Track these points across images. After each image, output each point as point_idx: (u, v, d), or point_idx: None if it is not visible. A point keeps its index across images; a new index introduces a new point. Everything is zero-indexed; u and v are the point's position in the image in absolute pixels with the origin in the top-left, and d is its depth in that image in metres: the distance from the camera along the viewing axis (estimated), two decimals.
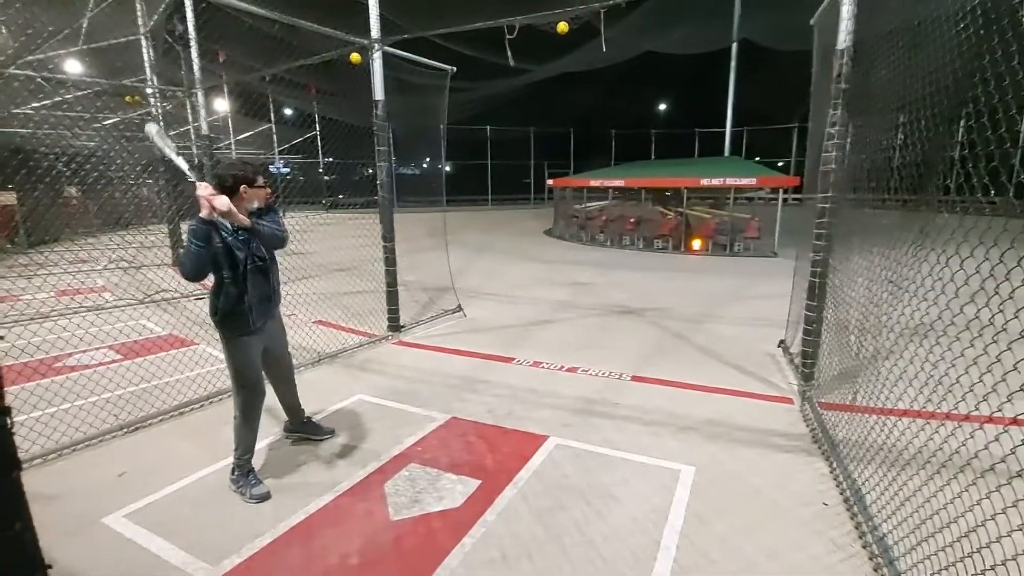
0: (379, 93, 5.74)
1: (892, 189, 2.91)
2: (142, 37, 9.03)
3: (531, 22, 4.85)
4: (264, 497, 3.08)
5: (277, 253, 3.31)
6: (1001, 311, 1.76)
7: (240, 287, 3.01)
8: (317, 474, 3.37)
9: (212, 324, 3.09)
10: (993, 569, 1.76)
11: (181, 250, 10.37)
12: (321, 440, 3.75)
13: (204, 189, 2.79)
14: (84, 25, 9.48)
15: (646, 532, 2.78)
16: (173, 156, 2.99)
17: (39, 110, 11.04)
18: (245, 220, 2.91)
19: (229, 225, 2.95)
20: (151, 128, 3.00)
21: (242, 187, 2.99)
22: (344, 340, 5.98)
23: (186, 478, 3.30)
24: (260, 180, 3.07)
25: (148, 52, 9.11)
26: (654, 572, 2.49)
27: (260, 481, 3.16)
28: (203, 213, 2.79)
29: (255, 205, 3.08)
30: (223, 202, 2.78)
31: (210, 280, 3.07)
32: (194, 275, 2.90)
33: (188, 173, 2.97)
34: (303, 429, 3.76)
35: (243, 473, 3.15)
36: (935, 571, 2.07)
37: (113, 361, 5.36)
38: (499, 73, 18.08)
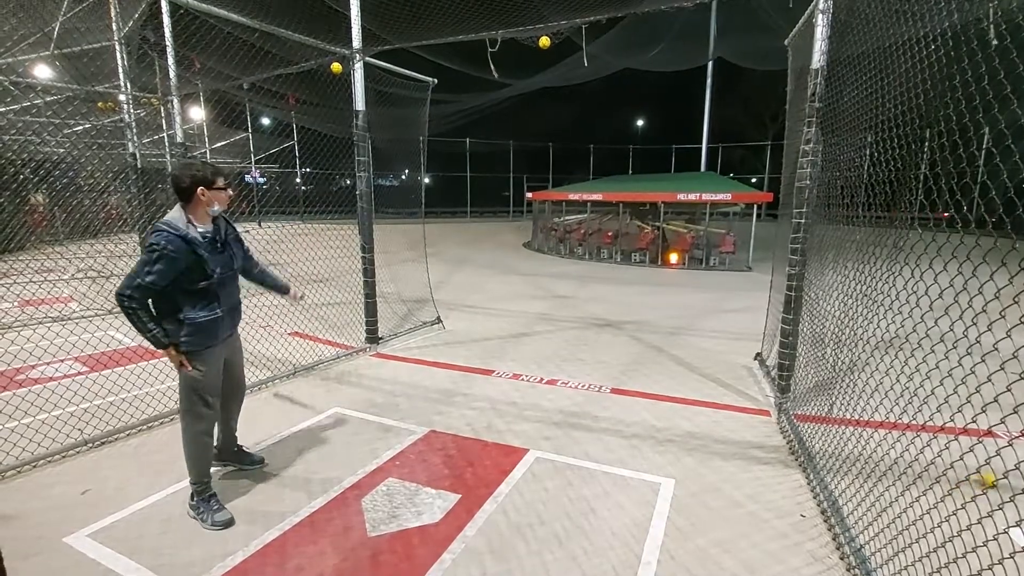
0: (360, 104, 5.72)
1: (865, 205, 2.99)
2: (116, 43, 8.85)
3: (513, 36, 4.90)
4: (228, 523, 2.89)
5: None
6: (974, 324, 1.81)
7: (214, 298, 2.89)
8: (291, 490, 3.27)
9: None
10: None
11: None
12: (250, 468, 3.47)
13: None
14: (55, 30, 9.27)
15: (627, 546, 2.76)
16: None
17: (5, 115, 10.73)
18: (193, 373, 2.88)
19: (200, 238, 2.78)
20: None
21: (199, 189, 2.76)
22: (321, 352, 5.88)
23: (154, 495, 3.18)
24: (220, 182, 2.84)
25: (122, 58, 8.93)
26: None
27: (222, 506, 2.96)
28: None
29: (216, 209, 2.89)
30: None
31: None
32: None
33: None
34: (235, 457, 3.49)
35: (204, 498, 2.95)
36: None
37: (79, 373, 5.17)
38: (480, 87, 18.22)
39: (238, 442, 3.51)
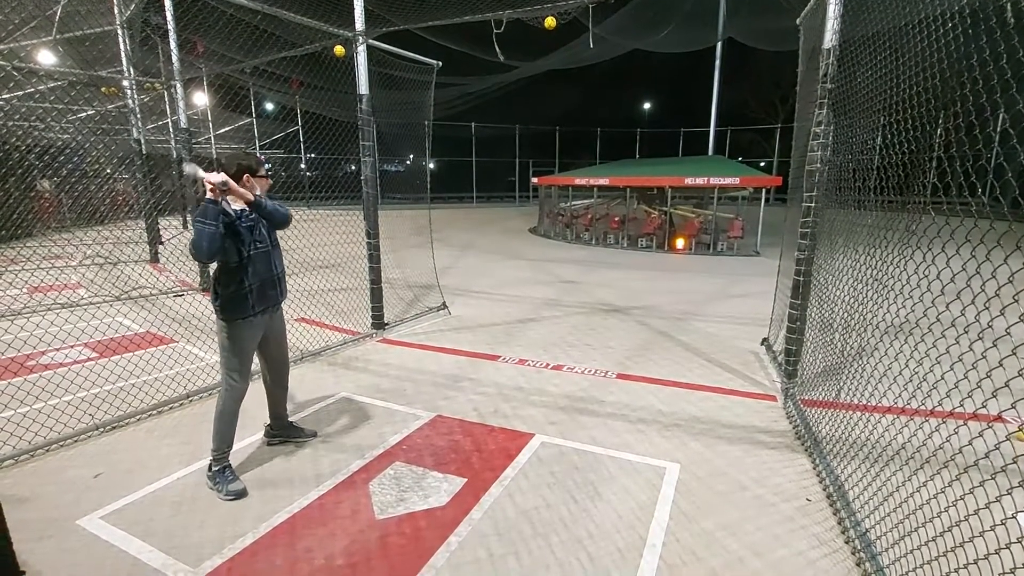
0: (363, 87, 5.67)
1: (878, 189, 2.94)
2: (119, 27, 8.80)
3: (518, 16, 4.82)
4: (240, 494, 3.05)
5: None
6: (987, 308, 1.78)
7: (243, 272, 3.07)
8: (301, 473, 3.31)
9: (213, 310, 3.13)
10: (976, 563, 1.78)
11: (160, 246, 10.18)
12: (302, 442, 3.69)
13: (204, 175, 2.88)
14: (58, 14, 9.22)
15: (632, 529, 2.78)
16: (199, 174, 2.97)
17: (9, 101, 10.72)
18: (247, 193, 3.01)
19: (232, 211, 3.03)
20: (187, 168, 3.05)
21: (245, 175, 3.10)
22: (327, 338, 5.91)
23: (165, 478, 3.23)
24: (262, 171, 3.21)
25: (125, 42, 8.88)
26: (640, 569, 2.49)
27: (236, 477, 3.14)
28: (208, 194, 2.87)
29: (257, 193, 3.17)
30: (219, 176, 2.86)
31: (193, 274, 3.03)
32: (208, 254, 2.92)
33: (202, 174, 2.96)
34: (284, 432, 3.69)
35: (220, 469, 3.13)
36: (917, 566, 2.09)
37: (88, 359, 5.22)
38: (485, 69, 18.02)
39: (289, 419, 3.75)
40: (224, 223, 2.95)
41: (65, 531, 2.74)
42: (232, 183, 2.93)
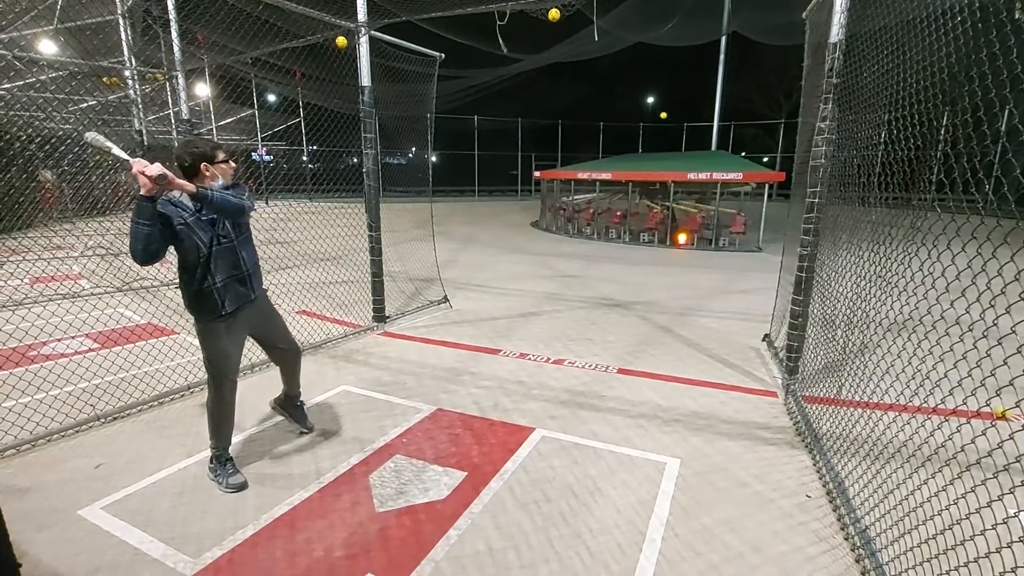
0: (365, 79, 5.64)
1: (882, 185, 2.92)
2: (120, 16, 8.74)
3: (522, 8, 4.78)
4: (241, 486, 3.04)
5: (257, 241, 3.22)
6: (992, 306, 1.77)
7: (205, 269, 2.87)
8: (301, 465, 3.32)
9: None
10: (976, 561, 1.77)
11: None
12: (300, 431, 3.67)
13: (137, 164, 2.51)
14: (59, 3, 9.15)
15: (632, 524, 2.78)
16: (115, 151, 2.64)
17: (10, 90, 10.68)
18: (187, 186, 2.64)
19: (189, 206, 2.80)
20: (88, 136, 2.66)
21: (202, 164, 2.82)
22: (328, 330, 5.91)
23: (166, 469, 3.24)
24: (221, 155, 2.91)
25: (126, 33, 8.82)
26: (639, 564, 2.49)
27: (237, 470, 3.13)
28: (142, 190, 2.55)
29: (219, 183, 2.90)
30: (155, 168, 2.52)
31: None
32: (143, 257, 2.66)
33: (125, 156, 2.63)
34: (291, 411, 3.65)
35: (220, 462, 3.12)
36: (917, 563, 2.09)
37: (90, 350, 5.23)
38: (489, 62, 17.91)
39: (301, 398, 3.70)
40: (181, 220, 2.75)
41: (67, 521, 2.75)
42: (170, 175, 2.55)
